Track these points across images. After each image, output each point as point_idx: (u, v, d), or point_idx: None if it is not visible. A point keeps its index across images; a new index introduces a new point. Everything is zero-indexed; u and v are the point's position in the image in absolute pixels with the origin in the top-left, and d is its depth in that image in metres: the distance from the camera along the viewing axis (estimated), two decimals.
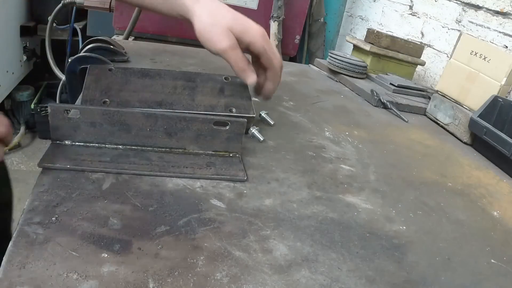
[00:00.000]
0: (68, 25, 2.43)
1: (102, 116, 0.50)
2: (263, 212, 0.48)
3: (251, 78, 0.60)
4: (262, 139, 0.67)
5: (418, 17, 1.66)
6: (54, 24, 2.16)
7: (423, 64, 1.35)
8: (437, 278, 0.44)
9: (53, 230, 0.37)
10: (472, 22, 1.39)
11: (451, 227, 0.55)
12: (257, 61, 0.62)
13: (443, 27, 1.53)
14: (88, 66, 0.59)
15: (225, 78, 0.64)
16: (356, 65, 1.17)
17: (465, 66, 0.99)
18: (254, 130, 0.67)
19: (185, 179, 0.50)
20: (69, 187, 0.44)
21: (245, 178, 0.54)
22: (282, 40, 1.85)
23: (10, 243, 0.35)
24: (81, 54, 0.71)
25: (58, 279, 0.33)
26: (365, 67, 1.20)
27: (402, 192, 0.61)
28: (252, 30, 0.59)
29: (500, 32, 1.27)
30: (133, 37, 1.70)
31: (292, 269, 0.40)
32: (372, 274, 0.42)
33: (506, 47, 1.24)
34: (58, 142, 0.51)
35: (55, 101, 2.44)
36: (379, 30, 1.42)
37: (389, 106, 1.01)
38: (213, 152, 0.56)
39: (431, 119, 1.04)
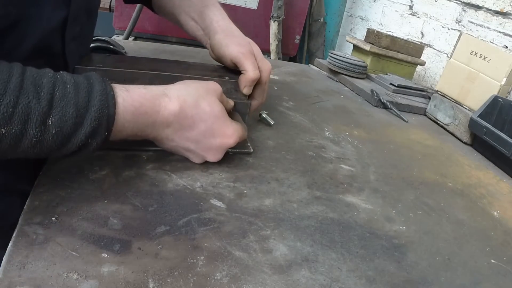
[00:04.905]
0: None
1: None
2: (263, 212, 0.48)
3: (249, 90, 0.62)
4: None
5: (418, 17, 1.67)
6: None
7: (423, 64, 1.35)
8: (437, 278, 0.44)
9: (53, 230, 0.37)
10: (472, 22, 1.39)
11: (451, 227, 0.55)
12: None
13: (443, 27, 1.53)
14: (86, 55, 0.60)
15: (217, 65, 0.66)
16: (356, 65, 1.17)
17: (465, 66, 0.99)
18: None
19: (185, 178, 0.50)
20: (69, 187, 0.44)
21: (251, 150, 0.60)
22: (282, 40, 1.85)
23: (10, 243, 0.35)
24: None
25: (58, 279, 0.33)
26: (365, 67, 1.20)
27: (402, 192, 0.61)
28: (266, 61, 0.63)
29: (500, 32, 1.27)
30: (133, 37, 1.70)
31: (292, 269, 0.40)
32: (372, 274, 0.42)
33: (506, 47, 1.24)
34: None
35: None
36: (379, 30, 1.42)
37: (389, 106, 1.01)
38: None
39: (431, 119, 1.04)
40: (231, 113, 0.57)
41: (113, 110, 0.41)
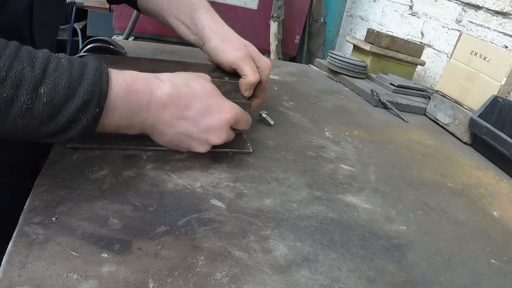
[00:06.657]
0: (68, 25, 2.43)
1: None
2: (263, 212, 0.48)
3: (250, 93, 0.61)
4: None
5: (418, 17, 1.67)
6: None
7: (423, 64, 1.35)
8: (437, 278, 0.44)
9: (53, 230, 0.37)
10: (472, 22, 1.39)
11: (451, 227, 0.55)
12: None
13: (443, 27, 1.53)
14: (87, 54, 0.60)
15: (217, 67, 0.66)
16: (356, 65, 1.17)
17: (465, 66, 0.99)
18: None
19: (185, 178, 0.50)
20: (69, 187, 0.44)
21: (251, 150, 0.60)
22: (282, 40, 1.85)
23: (10, 243, 0.35)
24: (81, 54, 0.71)
25: (58, 279, 0.33)
26: (365, 67, 1.20)
27: (402, 192, 0.61)
28: (264, 59, 0.63)
29: (500, 32, 1.27)
30: (133, 37, 1.70)
31: (292, 269, 0.40)
32: (372, 274, 0.42)
33: (506, 47, 1.24)
34: None
35: None
36: (379, 30, 1.42)
37: (389, 106, 1.01)
38: None
39: (431, 119, 1.04)
40: None
41: (106, 87, 0.41)
